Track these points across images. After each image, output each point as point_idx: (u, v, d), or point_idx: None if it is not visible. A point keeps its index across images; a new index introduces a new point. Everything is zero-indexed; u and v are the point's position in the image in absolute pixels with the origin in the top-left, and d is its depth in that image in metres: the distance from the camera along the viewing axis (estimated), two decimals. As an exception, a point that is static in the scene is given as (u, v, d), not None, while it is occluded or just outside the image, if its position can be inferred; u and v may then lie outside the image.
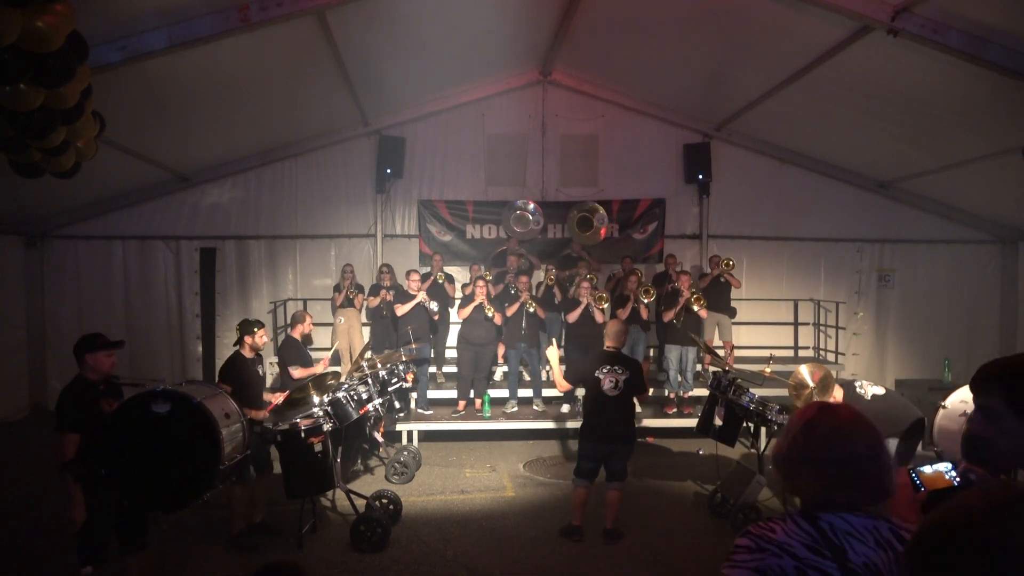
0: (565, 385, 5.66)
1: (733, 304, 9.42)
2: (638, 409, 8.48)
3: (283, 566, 1.81)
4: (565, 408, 8.39)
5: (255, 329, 5.38)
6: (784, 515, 1.61)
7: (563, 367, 5.84)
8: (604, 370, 5.39)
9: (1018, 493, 1.00)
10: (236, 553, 5.13)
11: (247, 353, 5.37)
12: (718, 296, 9.15)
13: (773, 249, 10.94)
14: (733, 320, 9.45)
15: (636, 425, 8.25)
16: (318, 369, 6.48)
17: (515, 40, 8.96)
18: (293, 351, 6.56)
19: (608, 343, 5.55)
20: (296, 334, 6.63)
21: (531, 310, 8.15)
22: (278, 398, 5.68)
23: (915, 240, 10.96)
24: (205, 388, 4.52)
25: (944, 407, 6.25)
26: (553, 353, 5.61)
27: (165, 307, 10.27)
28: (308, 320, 6.70)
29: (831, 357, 10.03)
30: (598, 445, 5.40)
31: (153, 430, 3.95)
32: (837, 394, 5.18)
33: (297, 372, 6.37)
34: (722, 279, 9.22)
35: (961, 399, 6.14)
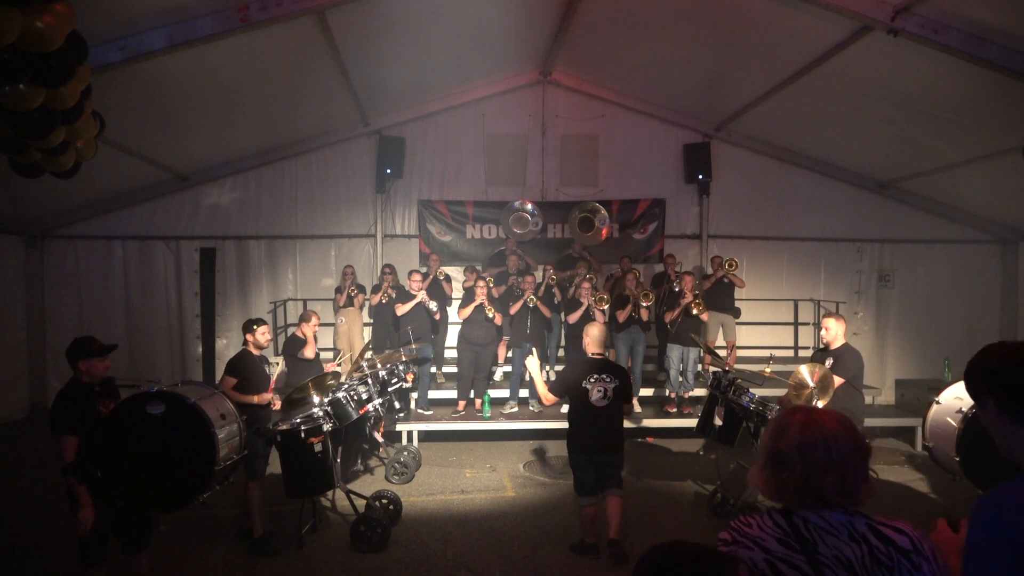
0: (551, 398, 5.15)
1: (735, 304, 9.42)
2: (638, 409, 8.52)
3: None
4: (565, 408, 8.35)
5: (254, 327, 5.43)
6: (764, 511, 1.69)
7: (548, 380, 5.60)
8: (592, 379, 5.02)
9: None
10: (246, 554, 5.10)
11: (253, 351, 5.42)
12: (722, 296, 9.13)
13: (773, 249, 10.94)
14: (736, 320, 9.45)
15: (637, 425, 8.32)
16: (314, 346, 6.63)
17: (515, 40, 8.96)
18: (298, 345, 6.64)
19: (593, 349, 5.17)
20: (300, 333, 6.67)
21: (532, 305, 8.17)
22: (276, 402, 5.59)
23: (915, 240, 10.96)
24: (201, 388, 4.50)
25: (938, 403, 5.90)
26: (533, 364, 5.23)
27: (165, 307, 10.28)
28: (315, 320, 6.73)
29: (831, 357, 10.01)
30: (591, 457, 5.09)
31: (148, 431, 3.93)
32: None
33: (307, 350, 6.47)
34: (725, 280, 9.21)
35: (956, 395, 5.82)
